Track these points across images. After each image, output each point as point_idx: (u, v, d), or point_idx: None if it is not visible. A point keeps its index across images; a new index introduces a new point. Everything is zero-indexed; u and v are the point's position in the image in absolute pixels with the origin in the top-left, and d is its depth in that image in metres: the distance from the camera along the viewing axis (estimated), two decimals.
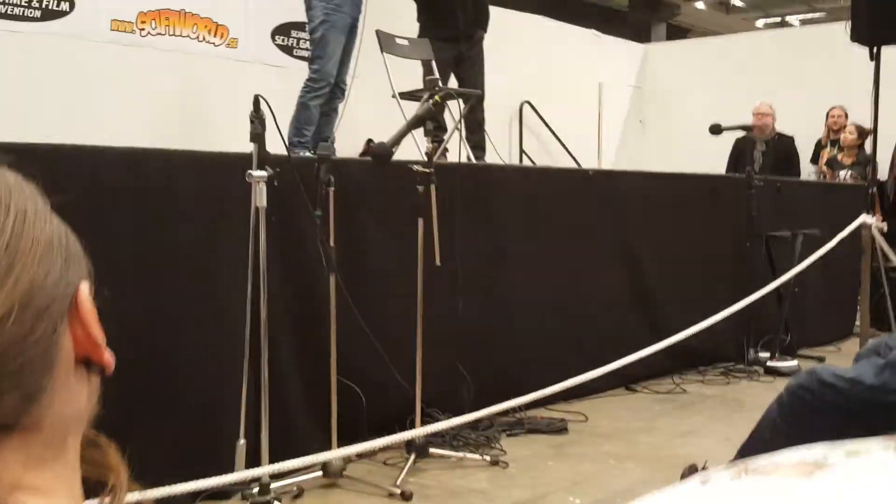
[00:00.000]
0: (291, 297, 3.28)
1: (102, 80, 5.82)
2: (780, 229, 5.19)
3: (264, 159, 2.83)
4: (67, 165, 2.75)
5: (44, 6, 5.54)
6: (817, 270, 4.87)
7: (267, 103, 2.80)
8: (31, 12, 5.49)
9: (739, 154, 7.31)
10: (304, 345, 3.30)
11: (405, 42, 5.89)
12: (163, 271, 3.00)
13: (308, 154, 4.85)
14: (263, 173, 2.77)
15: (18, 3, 5.42)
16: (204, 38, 6.41)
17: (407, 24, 6.14)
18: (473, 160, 5.60)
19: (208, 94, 6.41)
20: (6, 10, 5.38)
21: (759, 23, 21.05)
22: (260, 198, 2.78)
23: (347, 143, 6.18)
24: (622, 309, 4.66)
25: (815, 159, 7.94)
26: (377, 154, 3.36)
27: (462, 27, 5.65)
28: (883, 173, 6.99)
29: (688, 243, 5.01)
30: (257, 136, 2.79)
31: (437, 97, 3.47)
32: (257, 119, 2.78)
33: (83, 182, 2.80)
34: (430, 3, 5.76)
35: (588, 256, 4.54)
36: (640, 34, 17.03)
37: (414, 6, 6.06)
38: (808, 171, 7.88)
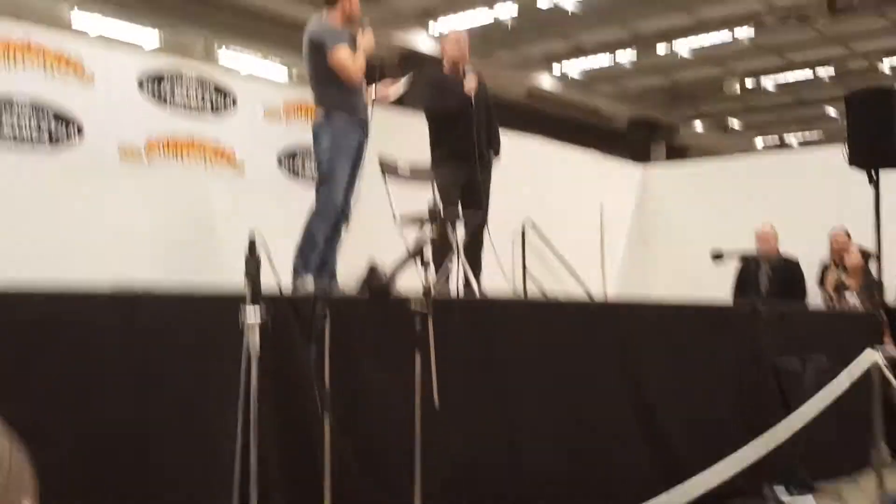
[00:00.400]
0: (283, 437, 3.18)
1: (109, 206, 5.87)
2: (788, 357, 5.10)
3: (258, 299, 2.79)
4: (57, 308, 2.73)
5: (53, 132, 5.63)
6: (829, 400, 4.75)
7: (263, 242, 2.77)
8: (39, 138, 5.57)
9: (745, 277, 7.29)
10: (295, 489, 3.18)
11: (407, 167, 5.96)
12: (151, 412, 2.91)
13: (310, 280, 4.83)
14: (257, 315, 2.72)
15: (28, 128, 5.51)
16: (211, 163, 6.49)
17: (409, 148, 6.24)
18: (472, 280, 5.59)
19: (215, 219, 6.45)
20: (15, 135, 5.46)
21: (758, 141, 21.46)
22: (253, 342, 2.72)
23: (349, 266, 6.18)
24: (630, 443, 4.51)
25: (821, 282, 7.91)
26: (375, 292, 3.33)
27: (475, 150, 5.74)
28: (891, 296, 6.93)
29: (695, 373, 4.90)
30: (252, 276, 2.75)
31: (435, 228, 3.47)
32: (252, 259, 2.75)
33: (74, 324, 2.77)
34: (444, 125, 5.85)
35: (593, 389, 4.43)
36: (640, 153, 17.39)
37: (416, 130, 6.17)
38: (814, 294, 7.83)
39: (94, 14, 12.49)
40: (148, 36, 13.40)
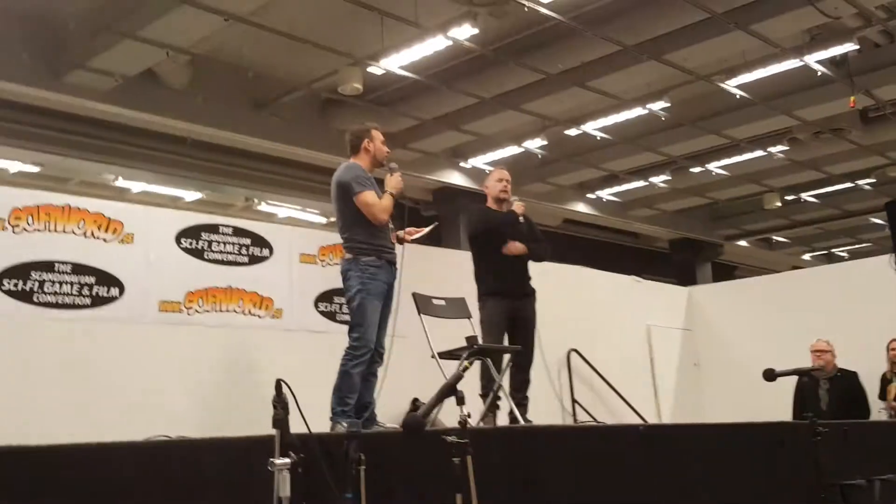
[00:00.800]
0: None
1: (150, 361, 5.90)
2: (853, 476, 4.82)
3: (288, 444, 2.73)
4: (89, 464, 2.71)
5: (94, 293, 5.74)
6: None
7: (289, 387, 2.73)
8: (81, 300, 5.68)
9: (803, 394, 7.04)
10: None
11: (442, 302, 5.95)
12: None
13: (348, 424, 4.73)
14: (286, 461, 2.65)
15: (69, 291, 5.63)
16: (250, 312, 6.55)
17: (444, 285, 6.25)
18: (517, 413, 5.46)
19: (255, 365, 6.45)
20: (57, 300, 5.58)
21: (806, 256, 21.16)
22: (283, 487, 2.64)
23: (391, 405, 6.09)
24: None
25: (882, 395, 7.59)
26: (409, 428, 3.24)
27: (518, 284, 5.80)
28: None
29: (756, 498, 4.65)
30: (279, 421, 2.70)
31: (467, 363, 3.41)
32: (279, 404, 2.71)
33: (106, 478, 2.74)
34: (490, 257, 5.89)
35: None
36: (685, 274, 17.20)
37: (450, 268, 6.20)
38: (877, 408, 7.51)
39: (139, 182, 12.97)
40: (191, 197, 13.88)
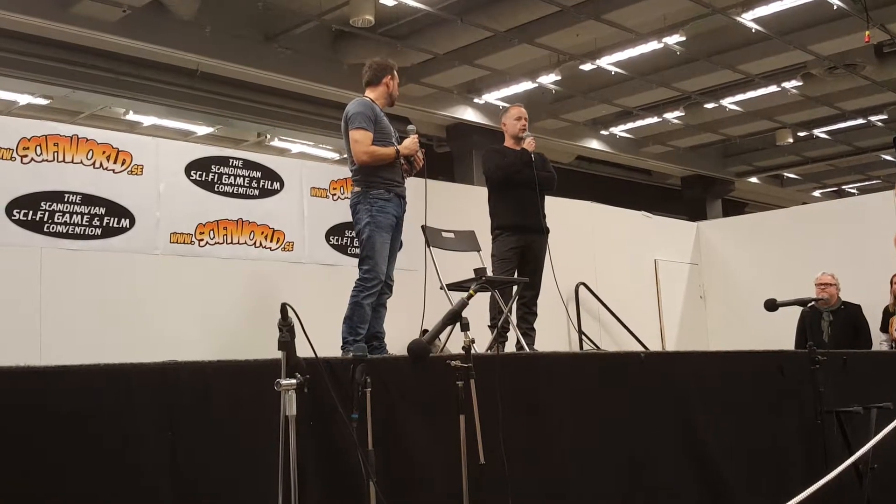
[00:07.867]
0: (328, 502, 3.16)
1: (161, 290, 5.99)
2: (850, 404, 4.91)
3: (295, 366, 2.81)
4: (99, 385, 2.78)
5: (105, 224, 5.81)
6: None
7: (294, 310, 2.80)
8: (91, 230, 5.74)
9: (806, 325, 7.11)
10: None
11: (451, 235, 6.01)
12: (197, 484, 2.93)
13: (361, 349, 4.83)
14: (292, 381, 2.74)
15: (80, 222, 5.69)
16: (261, 244, 6.61)
17: (454, 220, 6.30)
18: (524, 345, 5.57)
19: (267, 297, 6.53)
20: (67, 230, 5.64)
21: (816, 193, 21.08)
22: (289, 406, 2.73)
23: (400, 337, 6.19)
24: (688, 497, 4.37)
25: (884, 327, 7.66)
26: (414, 352, 3.33)
27: (532, 220, 5.87)
28: None
29: (754, 423, 4.75)
30: (285, 343, 2.78)
31: (472, 291, 3.48)
32: (285, 327, 2.78)
33: (116, 400, 2.82)
34: (504, 192, 5.94)
35: (648, 443, 4.33)
36: (696, 211, 17.17)
37: (463, 202, 6.23)
38: (878, 340, 7.59)
39: (150, 116, 12.95)
40: (202, 132, 13.86)
